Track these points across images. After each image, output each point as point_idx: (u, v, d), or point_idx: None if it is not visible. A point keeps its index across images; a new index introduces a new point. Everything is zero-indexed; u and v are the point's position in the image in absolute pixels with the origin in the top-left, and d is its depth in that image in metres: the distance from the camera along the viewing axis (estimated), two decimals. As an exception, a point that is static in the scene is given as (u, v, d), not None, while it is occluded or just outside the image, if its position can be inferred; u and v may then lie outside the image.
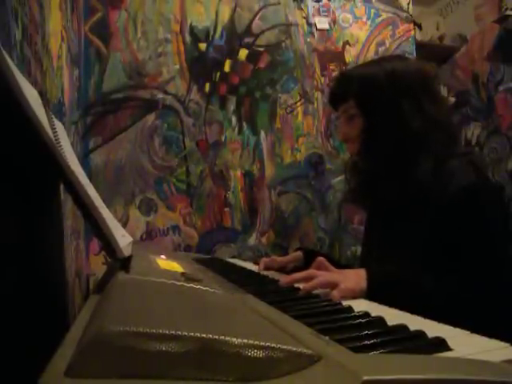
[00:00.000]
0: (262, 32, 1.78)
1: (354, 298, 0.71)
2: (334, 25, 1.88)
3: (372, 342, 0.43)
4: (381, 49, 1.92)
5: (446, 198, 0.87)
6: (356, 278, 0.76)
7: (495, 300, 0.80)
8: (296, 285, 0.77)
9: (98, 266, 1.46)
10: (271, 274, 1.03)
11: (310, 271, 0.78)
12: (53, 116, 0.70)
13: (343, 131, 1.05)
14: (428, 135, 0.93)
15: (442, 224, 0.86)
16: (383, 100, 0.95)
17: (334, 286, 0.72)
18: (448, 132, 0.97)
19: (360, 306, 0.61)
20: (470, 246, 0.83)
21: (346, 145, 1.06)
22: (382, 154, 0.95)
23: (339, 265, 1.02)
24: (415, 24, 2.01)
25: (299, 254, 1.19)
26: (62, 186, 0.83)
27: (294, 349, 0.34)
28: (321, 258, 0.84)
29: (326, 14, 1.87)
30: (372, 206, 1.15)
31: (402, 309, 0.60)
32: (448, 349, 0.42)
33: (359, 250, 1.30)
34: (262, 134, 1.74)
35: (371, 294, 0.73)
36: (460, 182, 0.87)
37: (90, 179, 1.36)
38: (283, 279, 0.78)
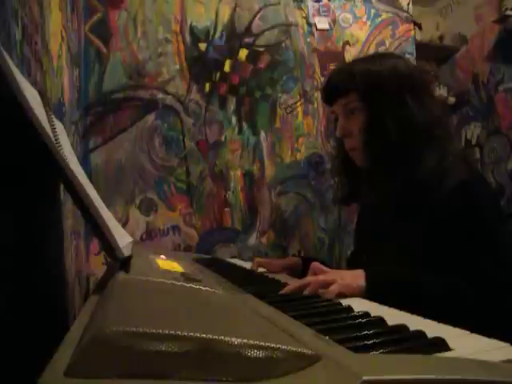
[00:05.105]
0: (262, 32, 1.77)
1: (352, 294, 0.72)
2: (334, 25, 1.88)
3: (372, 342, 0.43)
4: (381, 49, 1.92)
5: (441, 195, 0.87)
6: (353, 275, 0.77)
7: (495, 295, 0.80)
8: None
9: (97, 266, 1.46)
10: (273, 274, 1.03)
11: (306, 279, 0.77)
12: (53, 116, 0.70)
13: (343, 126, 1.00)
14: (431, 132, 0.92)
15: (438, 221, 0.86)
16: (389, 94, 0.94)
17: (331, 284, 0.72)
18: (446, 129, 0.97)
19: (360, 305, 0.61)
20: (468, 243, 0.83)
21: (344, 140, 1.01)
22: (386, 149, 0.93)
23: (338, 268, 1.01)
24: (415, 24, 2.01)
25: (297, 259, 1.17)
26: (62, 186, 0.83)
27: (294, 349, 0.34)
28: (315, 263, 0.84)
29: (326, 13, 1.87)
30: (364, 204, 1.14)
31: (401, 307, 0.60)
32: (448, 349, 0.42)
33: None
34: (262, 133, 1.74)
35: (371, 292, 0.73)
36: (454, 180, 0.87)
37: (90, 179, 1.36)
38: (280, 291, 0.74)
